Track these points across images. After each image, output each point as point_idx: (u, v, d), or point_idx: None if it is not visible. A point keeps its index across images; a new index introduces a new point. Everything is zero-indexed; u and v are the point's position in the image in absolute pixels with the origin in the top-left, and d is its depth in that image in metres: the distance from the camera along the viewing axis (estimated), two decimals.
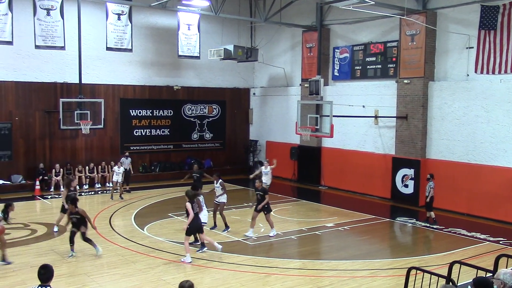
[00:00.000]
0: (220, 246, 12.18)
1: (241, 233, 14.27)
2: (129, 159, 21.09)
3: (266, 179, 18.09)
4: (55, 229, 14.28)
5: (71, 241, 11.95)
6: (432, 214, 15.72)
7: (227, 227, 14.44)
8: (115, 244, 13.06)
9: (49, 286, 5.96)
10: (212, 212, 14.66)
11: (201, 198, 13.16)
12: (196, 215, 11.89)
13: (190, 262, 11.58)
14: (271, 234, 14.10)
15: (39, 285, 5.92)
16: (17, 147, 20.69)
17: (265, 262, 11.76)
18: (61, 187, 20.64)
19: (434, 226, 15.43)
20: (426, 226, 15.59)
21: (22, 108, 20.68)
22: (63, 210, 13.90)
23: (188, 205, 11.79)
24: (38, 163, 20.79)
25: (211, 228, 14.44)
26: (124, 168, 20.36)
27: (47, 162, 21.14)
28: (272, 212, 14.50)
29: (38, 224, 14.90)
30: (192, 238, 12.56)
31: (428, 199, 15.68)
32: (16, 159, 20.71)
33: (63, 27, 19.14)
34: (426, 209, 15.93)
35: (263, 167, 18.75)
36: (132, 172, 21.31)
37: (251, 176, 19.18)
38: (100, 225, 15.01)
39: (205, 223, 12.90)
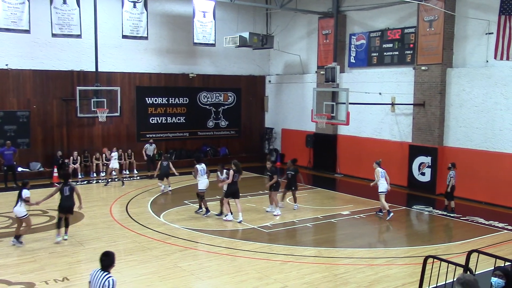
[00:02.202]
0: (241, 219, 14.04)
1: (257, 220, 14.33)
2: (154, 145, 21.90)
3: (382, 187, 14.86)
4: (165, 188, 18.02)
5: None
6: (452, 203, 15.57)
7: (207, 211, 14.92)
8: (132, 231, 13.19)
9: (109, 273, 6.06)
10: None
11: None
12: (235, 183, 14.03)
13: (231, 220, 14.08)
14: (274, 213, 15.10)
15: (100, 269, 6.11)
16: (35, 134, 20.93)
17: (280, 250, 11.78)
18: (78, 174, 20.99)
19: (452, 215, 15.29)
20: (443, 215, 15.46)
21: (39, 96, 20.89)
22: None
23: (231, 172, 13.93)
24: (55, 151, 21.03)
25: (217, 215, 14.72)
26: (148, 155, 21.44)
27: (65, 149, 21.37)
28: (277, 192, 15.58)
29: (56, 211, 15.03)
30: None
31: (448, 189, 15.51)
32: (34, 147, 20.97)
33: (79, 15, 19.24)
34: (446, 198, 15.77)
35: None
36: (156, 158, 21.86)
37: (372, 184, 15.62)
38: (117, 212, 15.22)
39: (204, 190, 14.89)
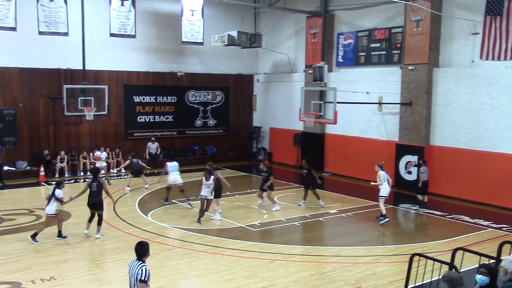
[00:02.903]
0: (219, 214, 14.41)
1: (245, 219, 14.36)
2: (156, 143, 22.09)
3: (383, 191, 14.63)
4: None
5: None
6: (425, 198, 16.16)
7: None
8: (119, 230, 13.15)
9: (143, 262, 6.38)
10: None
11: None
12: (217, 180, 14.27)
13: (220, 219, 14.15)
14: (273, 209, 15.43)
15: (136, 259, 6.43)
16: (21, 133, 20.74)
17: (268, 248, 11.83)
18: (65, 173, 20.86)
19: (438, 213, 15.46)
20: (428, 213, 15.62)
21: (26, 95, 20.70)
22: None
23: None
24: (42, 149, 20.86)
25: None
26: (150, 153, 21.73)
27: (51, 148, 21.20)
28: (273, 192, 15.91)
29: (42, 210, 14.86)
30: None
31: (419, 184, 16.17)
32: (21, 145, 20.78)
33: (66, 13, 19.11)
34: (420, 193, 16.34)
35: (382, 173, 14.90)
36: (160, 156, 22.39)
37: (372, 183, 15.49)
38: (104, 211, 15.11)
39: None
